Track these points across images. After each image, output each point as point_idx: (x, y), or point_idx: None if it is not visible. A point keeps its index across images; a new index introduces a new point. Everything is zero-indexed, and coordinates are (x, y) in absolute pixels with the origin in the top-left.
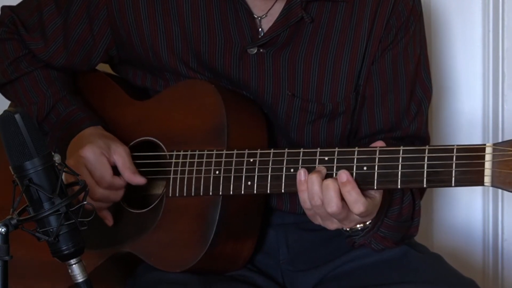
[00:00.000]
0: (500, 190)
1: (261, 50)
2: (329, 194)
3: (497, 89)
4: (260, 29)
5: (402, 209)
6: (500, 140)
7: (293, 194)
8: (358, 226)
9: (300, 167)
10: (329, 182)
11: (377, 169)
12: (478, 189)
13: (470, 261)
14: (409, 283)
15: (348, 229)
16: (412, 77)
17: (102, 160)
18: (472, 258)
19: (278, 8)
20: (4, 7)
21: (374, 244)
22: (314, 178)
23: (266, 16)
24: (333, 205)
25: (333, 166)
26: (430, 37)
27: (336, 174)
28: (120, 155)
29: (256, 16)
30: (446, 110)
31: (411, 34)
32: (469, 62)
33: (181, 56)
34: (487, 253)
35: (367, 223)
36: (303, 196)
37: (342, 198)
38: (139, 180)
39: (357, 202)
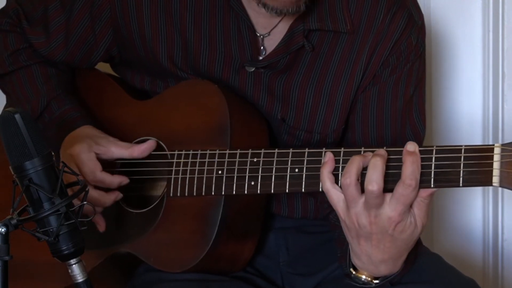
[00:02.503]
0: (500, 190)
1: (260, 70)
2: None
3: (497, 89)
4: (262, 48)
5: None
6: (500, 140)
7: (291, 199)
8: (374, 281)
9: (324, 152)
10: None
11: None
12: (478, 189)
13: (470, 261)
14: (409, 283)
15: (365, 277)
16: (399, 116)
17: (91, 156)
18: (472, 258)
19: (281, 28)
20: None
21: None
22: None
23: (268, 35)
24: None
25: (339, 167)
26: (430, 37)
27: (341, 174)
28: (110, 141)
29: (258, 34)
30: (446, 110)
31: (405, 71)
32: (469, 62)
33: (180, 66)
34: (487, 253)
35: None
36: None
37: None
38: (143, 148)
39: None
